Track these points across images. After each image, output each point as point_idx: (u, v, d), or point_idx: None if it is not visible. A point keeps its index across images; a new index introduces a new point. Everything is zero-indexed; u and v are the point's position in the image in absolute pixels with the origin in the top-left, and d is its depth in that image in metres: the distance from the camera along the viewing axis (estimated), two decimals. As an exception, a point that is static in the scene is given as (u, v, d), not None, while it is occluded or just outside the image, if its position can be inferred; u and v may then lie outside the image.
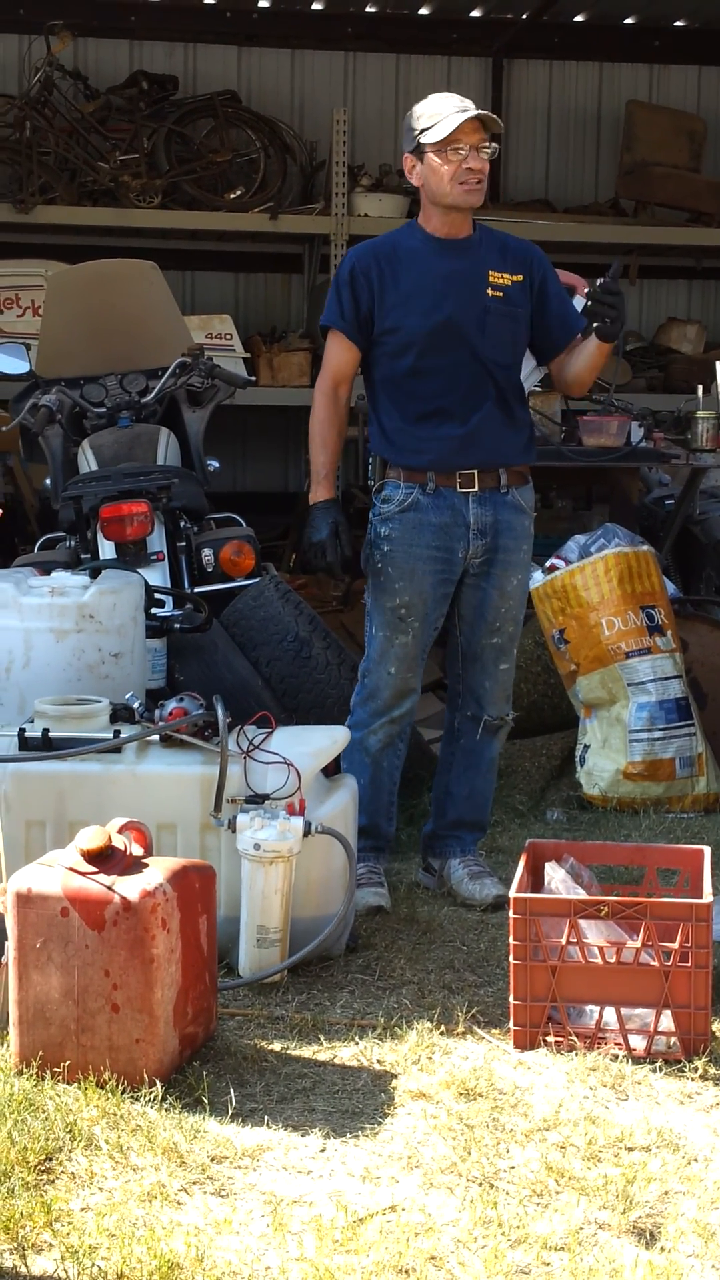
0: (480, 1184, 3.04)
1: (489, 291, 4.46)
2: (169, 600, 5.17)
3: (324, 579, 6.68)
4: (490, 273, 4.47)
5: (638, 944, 3.58)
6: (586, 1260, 2.78)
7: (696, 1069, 3.52)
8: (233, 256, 10.08)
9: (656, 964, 3.57)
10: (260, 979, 3.92)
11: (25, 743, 4.04)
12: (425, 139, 4.39)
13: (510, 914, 3.63)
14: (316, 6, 9.97)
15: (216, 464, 5.94)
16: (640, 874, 4.22)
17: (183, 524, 5.43)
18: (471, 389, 4.47)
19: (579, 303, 5.40)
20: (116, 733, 4.07)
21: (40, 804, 4.00)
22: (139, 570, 5.01)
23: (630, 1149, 3.19)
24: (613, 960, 3.59)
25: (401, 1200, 2.98)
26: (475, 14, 10.12)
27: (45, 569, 4.92)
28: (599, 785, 5.59)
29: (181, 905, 3.43)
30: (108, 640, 4.52)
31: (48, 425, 5.60)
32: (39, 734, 4.04)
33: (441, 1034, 3.69)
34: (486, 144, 4.40)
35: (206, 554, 5.44)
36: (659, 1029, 3.58)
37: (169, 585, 5.26)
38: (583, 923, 3.60)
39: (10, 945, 3.46)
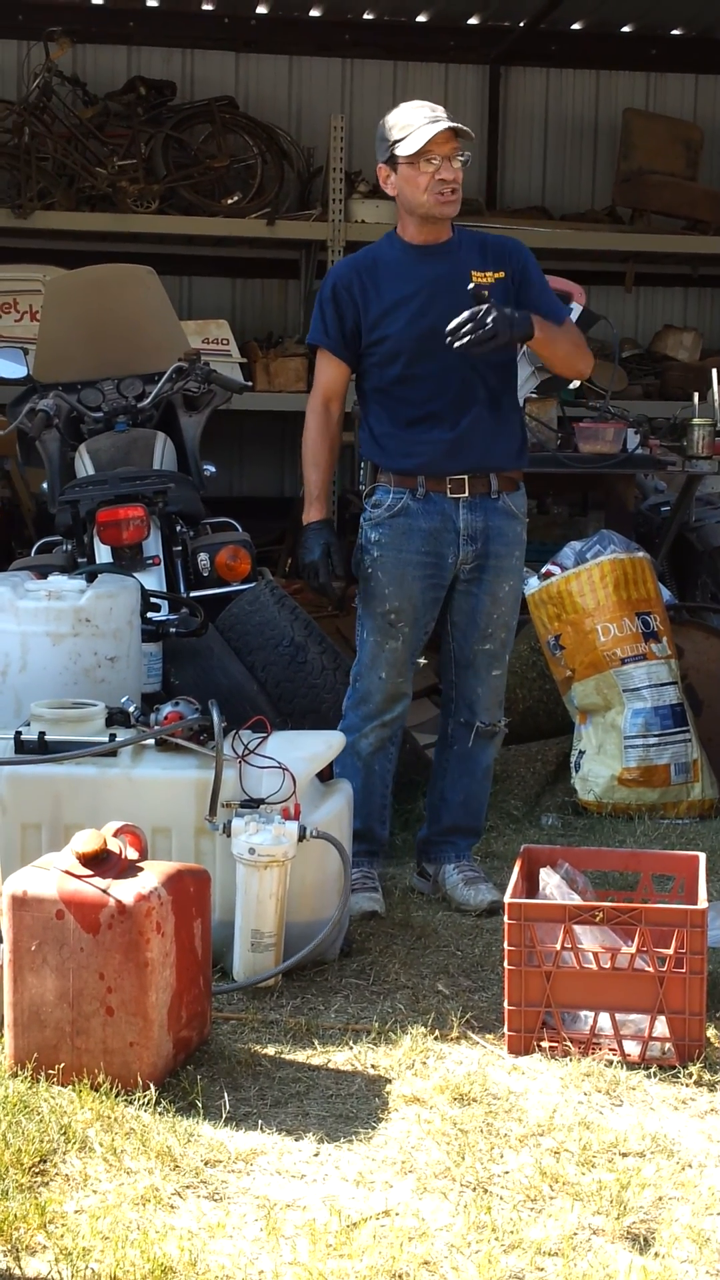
0: (474, 1189, 3.04)
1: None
2: (165, 604, 5.17)
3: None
4: (472, 274, 4.46)
5: (632, 949, 3.58)
6: (580, 1266, 2.78)
7: (691, 1075, 3.52)
8: (230, 262, 10.08)
9: (651, 970, 3.58)
10: (255, 983, 3.92)
11: (21, 746, 4.03)
12: (398, 150, 4.39)
13: (505, 919, 3.63)
14: (314, 13, 9.98)
15: (213, 469, 5.94)
16: (635, 880, 4.22)
17: (179, 528, 5.44)
18: (460, 393, 4.47)
19: (576, 309, 5.41)
20: (112, 736, 4.07)
21: (36, 807, 4.00)
22: (135, 574, 5.01)
23: (624, 1154, 3.19)
24: (607, 966, 3.59)
25: (395, 1205, 2.98)
26: (473, 21, 10.13)
27: (42, 573, 4.92)
28: (594, 791, 5.59)
29: (176, 909, 3.44)
30: (104, 644, 4.52)
31: (45, 429, 5.61)
32: (35, 737, 4.04)
33: (436, 1039, 3.69)
34: (460, 154, 4.40)
35: (202, 558, 5.44)
36: (653, 1035, 3.58)
37: (165, 589, 5.26)
38: (577, 928, 3.60)
39: (5, 948, 3.46)
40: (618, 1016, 3.60)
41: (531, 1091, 3.45)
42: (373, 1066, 3.56)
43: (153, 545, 5.30)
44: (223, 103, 9.56)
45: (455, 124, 4.37)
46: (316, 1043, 3.66)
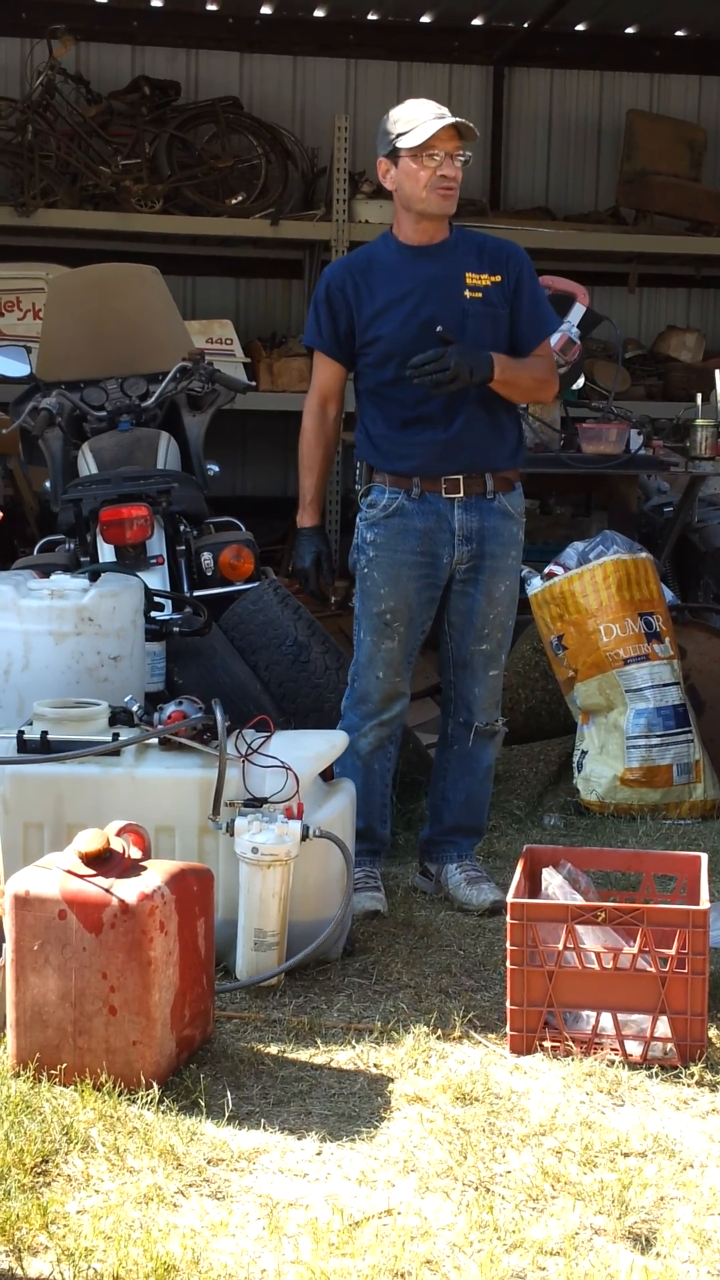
0: (476, 1188, 3.04)
1: (466, 294, 4.46)
2: (168, 604, 5.18)
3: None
4: (467, 274, 4.46)
5: (634, 950, 3.59)
6: (582, 1265, 2.79)
7: (693, 1075, 3.52)
8: (234, 262, 10.09)
9: (653, 970, 3.58)
10: (257, 982, 3.92)
11: (24, 745, 4.04)
12: (401, 144, 4.40)
13: (507, 919, 3.63)
14: (318, 14, 9.98)
15: (216, 468, 5.95)
16: (637, 880, 4.22)
17: (182, 528, 5.44)
18: (453, 394, 4.45)
19: (579, 310, 5.41)
20: (115, 736, 4.07)
21: (39, 806, 4.01)
22: (138, 574, 5.01)
23: (626, 1154, 3.19)
24: (609, 966, 3.59)
25: (397, 1204, 2.98)
26: (477, 22, 10.14)
27: (45, 572, 4.92)
28: (596, 791, 5.59)
29: (179, 908, 3.44)
30: (107, 643, 4.52)
31: (48, 428, 5.61)
32: (38, 736, 4.04)
33: (438, 1038, 3.69)
34: (461, 152, 4.40)
35: (206, 558, 5.45)
36: (655, 1035, 3.58)
37: (168, 589, 5.27)
38: (580, 928, 3.60)
39: (8, 947, 3.46)
40: (620, 1016, 3.60)
41: (534, 1091, 3.45)
42: (375, 1066, 3.56)
43: (156, 544, 5.30)
44: (227, 103, 9.57)
45: (460, 121, 4.38)
46: (319, 1042, 3.67)
